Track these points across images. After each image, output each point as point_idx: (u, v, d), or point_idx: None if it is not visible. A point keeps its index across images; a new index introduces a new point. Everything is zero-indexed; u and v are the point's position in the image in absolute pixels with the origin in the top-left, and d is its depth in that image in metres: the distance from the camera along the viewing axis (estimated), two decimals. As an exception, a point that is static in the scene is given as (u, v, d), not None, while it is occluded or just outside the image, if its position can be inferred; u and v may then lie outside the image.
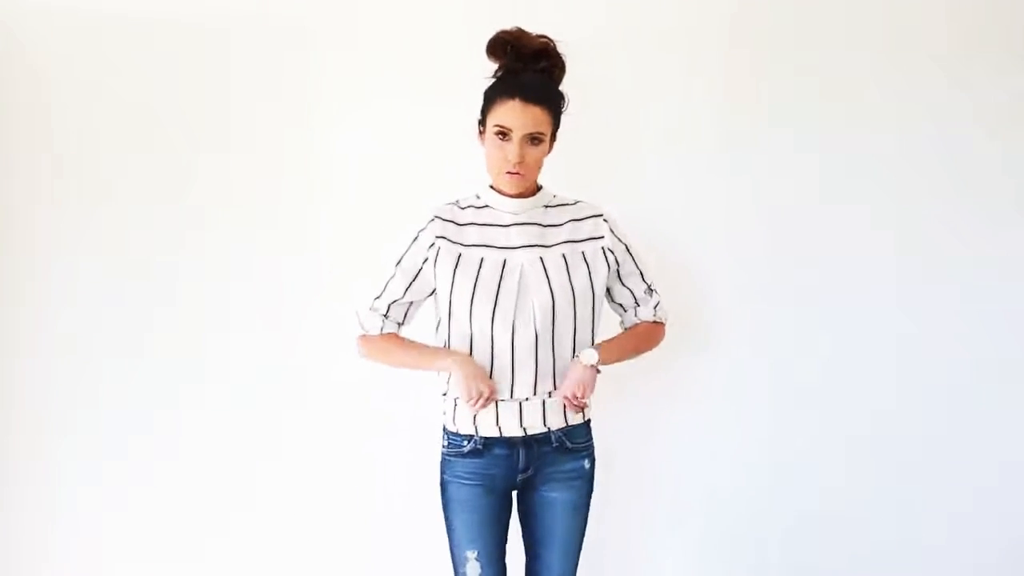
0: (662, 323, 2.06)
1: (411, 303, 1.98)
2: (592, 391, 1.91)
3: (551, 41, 1.90)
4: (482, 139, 1.92)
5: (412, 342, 1.98)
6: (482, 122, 1.91)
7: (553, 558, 1.95)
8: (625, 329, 2.07)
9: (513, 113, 1.83)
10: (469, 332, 1.89)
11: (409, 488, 2.39)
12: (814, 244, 2.50)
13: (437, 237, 1.91)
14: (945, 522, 2.55)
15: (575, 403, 1.90)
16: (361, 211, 2.42)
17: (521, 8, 2.35)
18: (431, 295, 1.96)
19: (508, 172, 1.86)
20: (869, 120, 2.49)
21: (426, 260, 1.92)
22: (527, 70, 1.87)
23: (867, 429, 2.53)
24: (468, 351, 1.90)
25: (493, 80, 1.90)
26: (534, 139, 1.85)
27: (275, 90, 2.42)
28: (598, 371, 1.93)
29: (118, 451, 2.44)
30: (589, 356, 1.91)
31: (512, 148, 1.84)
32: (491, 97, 1.88)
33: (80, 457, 2.44)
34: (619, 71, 2.44)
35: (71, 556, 2.46)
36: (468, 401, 1.86)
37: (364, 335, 1.99)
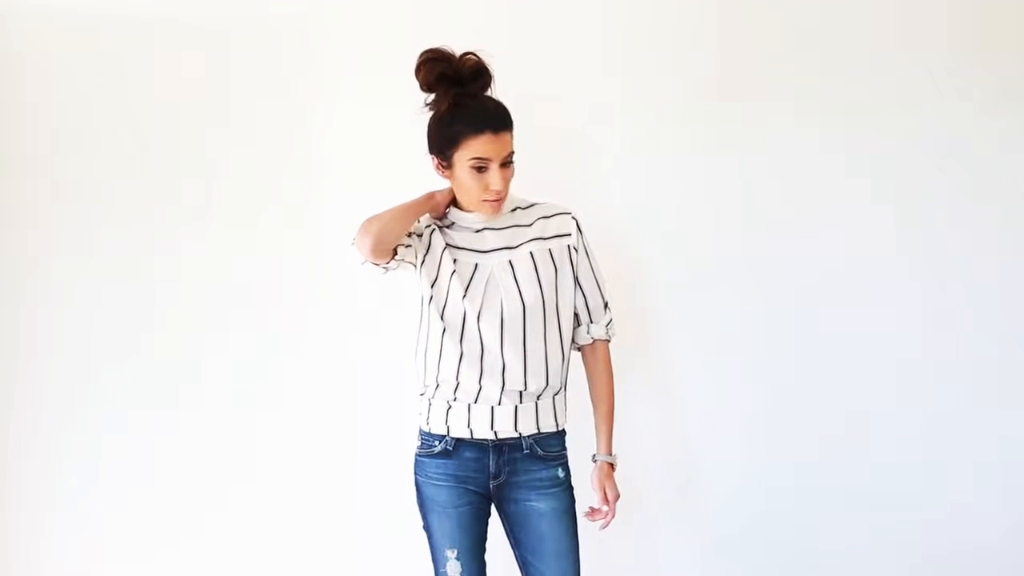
0: (608, 341, 2.02)
1: (404, 245, 1.92)
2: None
3: (479, 58, 1.86)
4: (442, 171, 1.90)
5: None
6: (443, 156, 1.87)
7: (550, 567, 1.91)
8: (593, 399, 2.01)
9: (489, 145, 1.82)
10: (440, 331, 1.90)
11: (409, 488, 2.38)
12: (801, 246, 2.48)
13: (427, 227, 1.96)
14: (939, 528, 2.53)
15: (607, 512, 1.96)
16: (360, 212, 2.40)
17: (521, 9, 2.37)
18: (412, 263, 1.93)
19: (489, 201, 1.87)
20: (870, 120, 2.48)
21: (427, 227, 1.94)
22: (469, 94, 1.85)
23: (842, 429, 2.49)
24: (439, 350, 1.90)
25: (440, 112, 1.85)
26: (507, 162, 1.87)
27: (275, 90, 2.42)
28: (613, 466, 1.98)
29: (116, 451, 2.44)
30: (606, 460, 1.97)
31: (495, 178, 1.84)
32: (456, 136, 1.83)
33: (77, 456, 2.44)
34: (607, 71, 2.43)
35: (69, 556, 2.46)
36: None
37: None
